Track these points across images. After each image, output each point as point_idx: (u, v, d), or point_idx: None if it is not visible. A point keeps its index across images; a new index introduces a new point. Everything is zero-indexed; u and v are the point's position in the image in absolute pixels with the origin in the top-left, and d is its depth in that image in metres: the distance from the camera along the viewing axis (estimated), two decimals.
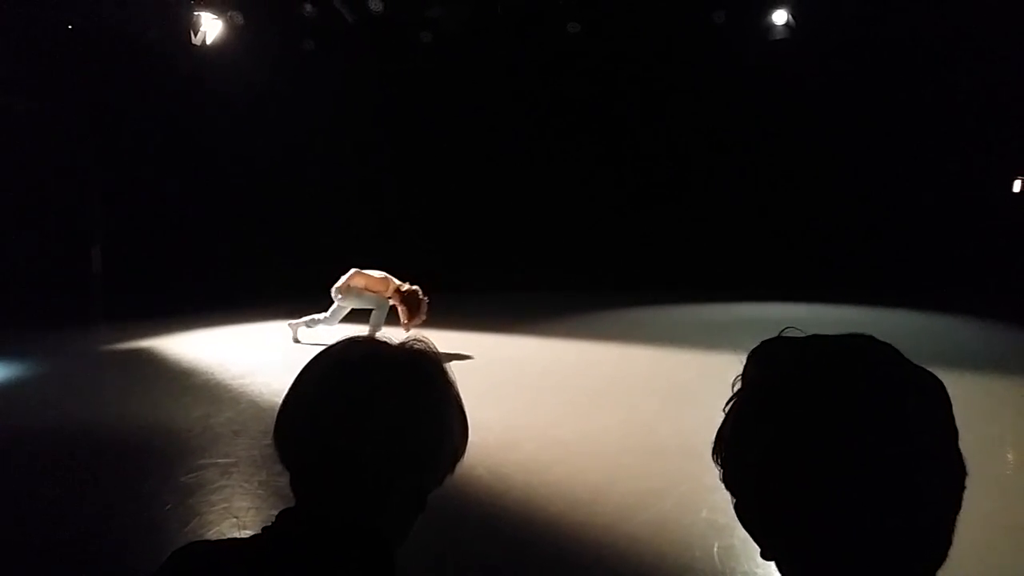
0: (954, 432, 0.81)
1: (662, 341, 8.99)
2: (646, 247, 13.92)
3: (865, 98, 13.27)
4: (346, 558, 0.98)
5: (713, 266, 13.54)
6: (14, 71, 11.53)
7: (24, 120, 12.31)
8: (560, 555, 3.62)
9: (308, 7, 12.12)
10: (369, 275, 8.47)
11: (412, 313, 8.28)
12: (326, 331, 8.63)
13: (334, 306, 8.57)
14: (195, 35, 11.06)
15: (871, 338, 0.85)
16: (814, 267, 13.10)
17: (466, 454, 1.13)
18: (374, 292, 8.45)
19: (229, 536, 3.44)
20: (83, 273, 12.84)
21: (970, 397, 6.00)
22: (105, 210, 13.14)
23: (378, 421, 1.03)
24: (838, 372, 0.81)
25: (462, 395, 1.13)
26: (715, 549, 3.53)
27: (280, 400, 1.10)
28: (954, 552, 0.80)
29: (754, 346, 0.89)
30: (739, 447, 0.86)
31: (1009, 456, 5.00)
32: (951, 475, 0.80)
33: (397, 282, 8.46)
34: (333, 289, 8.41)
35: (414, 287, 8.42)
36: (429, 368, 1.10)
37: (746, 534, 0.86)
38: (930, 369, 0.83)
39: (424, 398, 1.07)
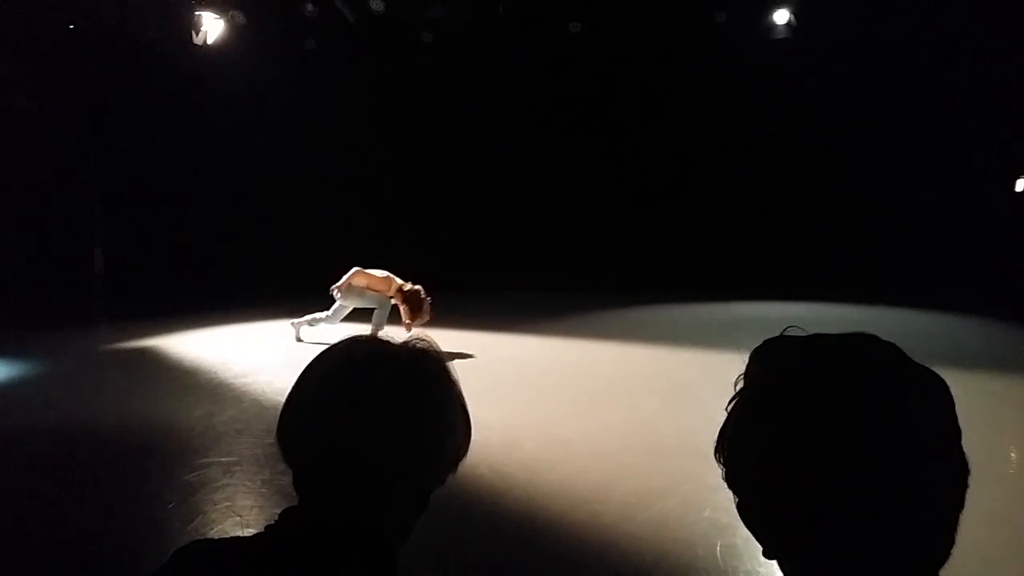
0: (957, 431, 0.81)
1: (663, 340, 8.99)
2: (647, 246, 13.91)
3: (866, 98, 13.26)
4: (349, 557, 0.98)
5: (714, 265, 13.54)
6: (14, 71, 11.53)
7: (24, 120, 12.31)
8: (562, 554, 3.62)
9: (309, 7, 12.12)
10: (371, 274, 8.46)
11: (414, 313, 8.27)
12: (328, 330, 8.64)
13: (336, 305, 8.57)
14: (196, 35, 11.06)
15: (873, 337, 0.85)
16: (815, 266, 13.10)
17: (468, 453, 1.13)
18: (376, 291, 8.45)
19: (232, 535, 3.45)
20: (84, 273, 12.85)
21: (972, 396, 5.99)
22: (106, 210, 13.15)
23: (381, 420, 1.03)
24: (840, 371, 0.81)
25: (464, 394, 1.13)
26: (718, 548, 3.53)
27: (283, 399, 1.10)
28: (956, 551, 0.80)
29: (755, 345, 0.89)
30: (741, 446, 0.86)
31: (1012, 455, 5.00)
32: (954, 474, 0.80)
33: (399, 281, 8.45)
34: (333, 288, 8.40)
35: (416, 287, 8.40)
36: (432, 367, 1.10)
37: (748, 533, 0.86)
38: (931, 368, 0.83)
39: (427, 397, 1.07)
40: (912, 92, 12.95)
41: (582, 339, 9.10)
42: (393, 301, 8.41)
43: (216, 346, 8.64)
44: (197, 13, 11.02)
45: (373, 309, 8.45)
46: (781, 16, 12.18)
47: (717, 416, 0.89)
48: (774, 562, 0.85)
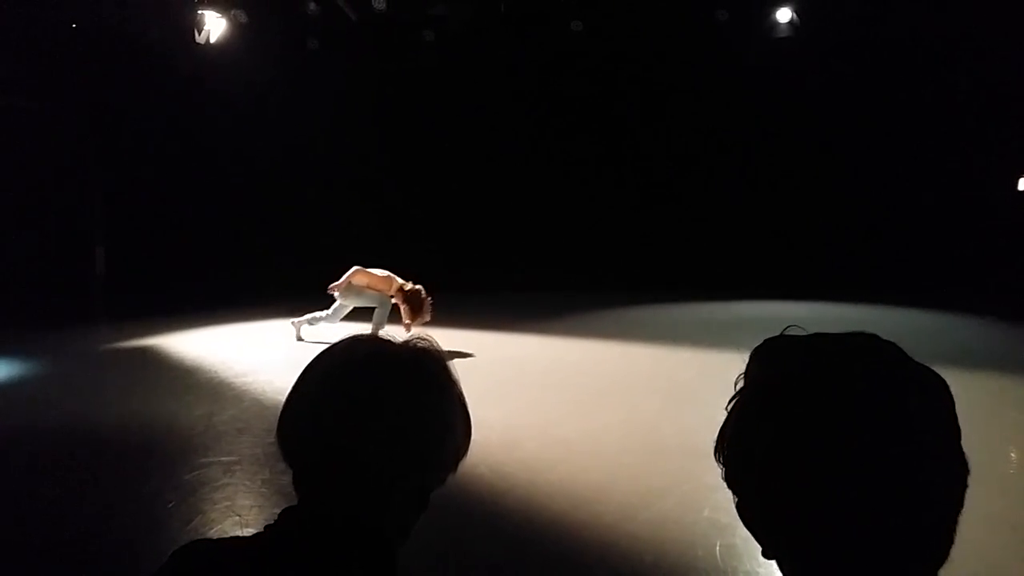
0: (957, 431, 0.81)
1: (664, 340, 8.99)
2: (647, 246, 13.91)
3: (866, 98, 13.26)
4: (348, 557, 0.98)
5: (714, 265, 13.54)
6: (14, 71, 11.54)
7: (25, 120, 12.32)
8: (562, 554, 3.62)
9: (311, 6, 12.14)
10: (372, 273, 8.45)
11: (415, 313, 8.24)
12: (328, 329, 8.64)
13: (336, 304, 8.57)
14: (199, 34, 11.06)
15: (874, 336, 0.85)
16: (815, 266, 13.09)
17: (468, 453, 1.13)
18: (377, 290, 8.44)
19: (231, 535, 3.45)
20: (84, 273, 12.86)
21: (972, 396, 5.98)
22: (106, 210, 13.15)
23: (381, 420, 1.03)
24: (841, 370, 0.81)
25: (464, 394, 1.13)
26: (717, 548, 3.53)
27: (283, 398, 1.10)
28: (956, 551, 0.80)
29: (756, 345, 0.89)
30: (741, 446, 0.86)
31: (1011, 455, 5.00)
32: (953, 474, 0.79)
33: (400, 281, 8.43)
34: (332, 287, 8.37)
35: (417, 286, 8.38)
36: (432, 367, 1.10)
37: (748, 533, 0.86)
38: (932, 367, 0.83)
39: (427, 397, 1.07)
40: (912, 92, 12.95)
41: (583, 339, 9.10)
42: (394, 301, 8.40)
43: (216, 345, 8.64)
44: (199, 12, 11.03)
45: (373, 308, 8.44)
46: (783, 15, 12.17)
47: (717, 416, 0.89)
48: (773, 562, 0.85)
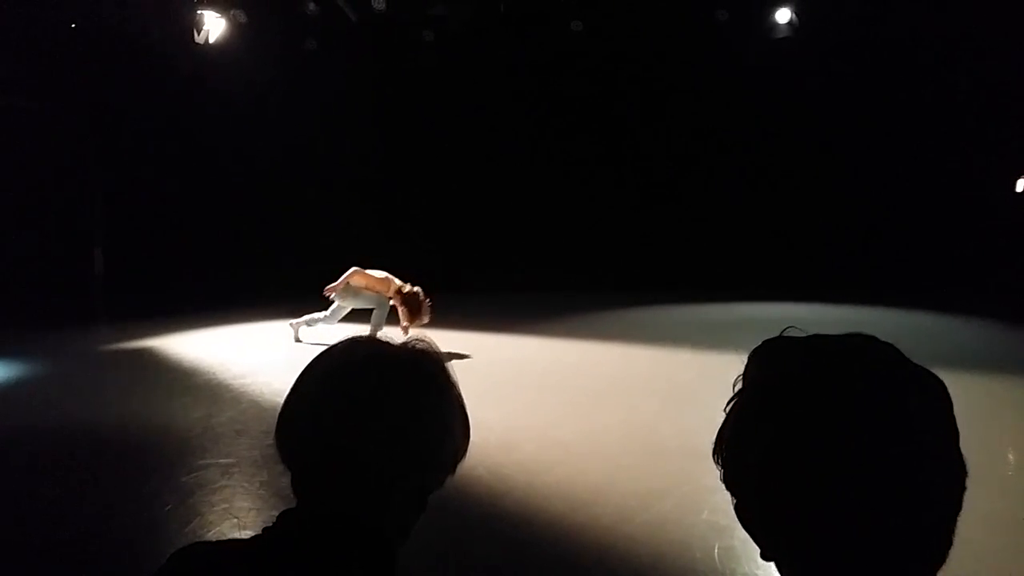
0: (955, 432, 0.81)
1: (663, 341, 8.99)
2: (647, 247, 13.92)
3: (866, 98, 13.27)
4: (348, 558, 0.98)
5: (714, 266, 13.54)
6: (14, 71, 11.54)
7: (24, 120, 12.32)
8: (560, 555, 3.61)
9: (311, 6, 12.14)
10: (370, 275, 8.43)
11: (412, 315, 8.21)
12: (327, 330, 8.63)
13: (334, 305, 8.55)
14: (198, 34, 11.06)
15: (872, 338, 0.85)
16: (815, 267, 13.09)
17: (467, 454, 1.13)
18: (375, 291, 8.42)
19: (230, 537, 3.45)
20: (84, 273, 12.85)
21: (970, 397, 5.98)
22: (106, 210, 13.15)
23: (380, 421, 1.03)
24: (839, 372, 0.81)
25: (463, 395, 1.13)
26: (716, 550, 3.53)
27: (281, 400, 1.10)
28: (954, 552, 0.80)
29: (755, 346, 0.89)
30: (740, 447, 0.86)
31: (1009, 456, 4.99)
32: (952, 475, 0.80)
33: (398, 283, 8.40)
34: (328, 288, 8.35)
35: (415, 288, 8.35)
36: (431, 368, 1.10)
37: (746, 535, 0.86)
38: (930, 369, 0.83)
39: (426, 398, 1.07)
40: (912, 92, 12.95)
41: (582, 340, 9.10)
42: (392, 302, 8.38)
43: (215, 347, 8.63)
44: (199, 12, 11.03)
45: (371, 309, 8.43)
46: (783, 15, 12.18)
47: (716, 417, 0.89)
48: (772, 564, 0.85)
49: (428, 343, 1.14)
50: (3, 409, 6.26)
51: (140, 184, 13.42)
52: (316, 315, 8.70)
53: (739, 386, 0.88)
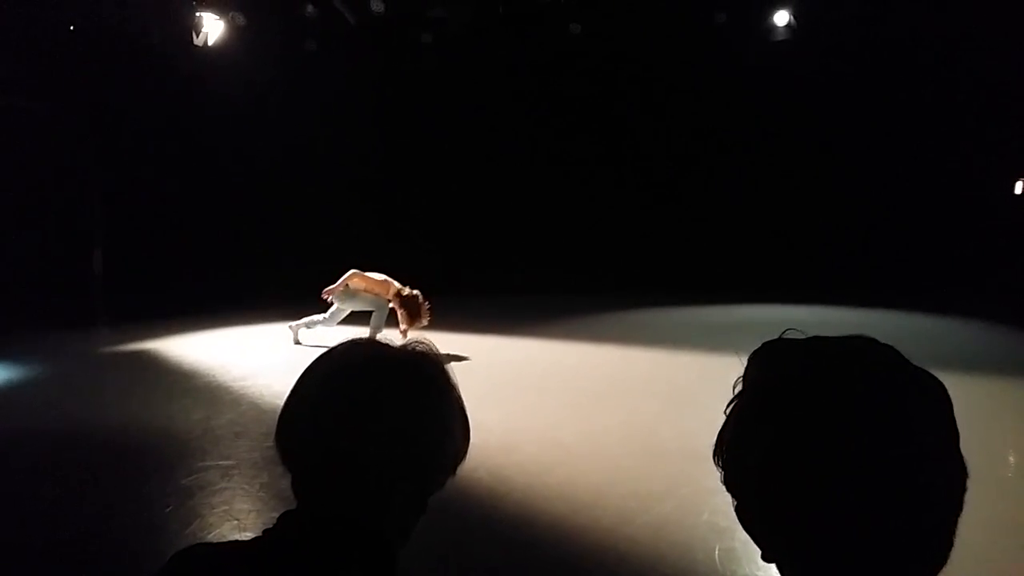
0: (955, 434, 0.81)
1: (663, 343, 8.99)
2: (647, 248, 13.92)
3: (865, 99, 13.27)
4: (348, 560, 0.98)
5: (714, 268, 13.54)
6: (14, 71, 11.53)
7: (24, 120, 12.32)
8: (561, 557, 3.61)
9: (310, 8, 12.13)
10: (369, 277, 8.41)
11: (412, 318, 8.19)
12: (326, 333, 8.63)
13: (333, 307, 8.55)
14: (197, 36, 11.06)
15: (872, 340, 0.85)
16: (815, 268, 13.10)
17: (467, 456, 1.13)
18: (374, 294, 8.41)
19: (230, 538, 3.44)
20: (84, 274, 12.84)
21: (970, 399, 5.98)
22: (106, 210, 13.15)
23: (380, 423, 1.03)
24: (839, 374, 0.81)
25: (463, 397, 1.13)
26: (716, 552, 3.53)
27: (281, 402, 1.10)
28: (954, 554, 0.80)
29: (755, 348, 0.89)
30: (740, 449, 0.86)
31: (1010, 458, 5.00)
32: (952, 477, 0.80)
33: (398, 285, 8.37)
34: (326, 291, 8.34)
35: (414, 292, 8.32)
36: (431, 370, 1.10)
37: (747, 537, 0.86)
38: (930, 371, 0.83)
39: (426, 400, 1.07)
40: (912, 92, 12.96)
41: (582, 342, 9.10)
42: (391, 305, 8.36)
43: (215, 349, 8.63)
44: (198, 14, 11.03)
45: (370, 312, 8.41)
46: (781, 17, 12.19)
47: (717, 419, 0.89)
48: (772, 566, 0.85)
49: (428, 345, 1.14)
50: (3, 410, 6.26)
51: (140, 185, 13.41)
52: (315, 317, 8.69)
53: (739, 388, 0.88)
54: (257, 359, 7.99)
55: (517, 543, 3.77)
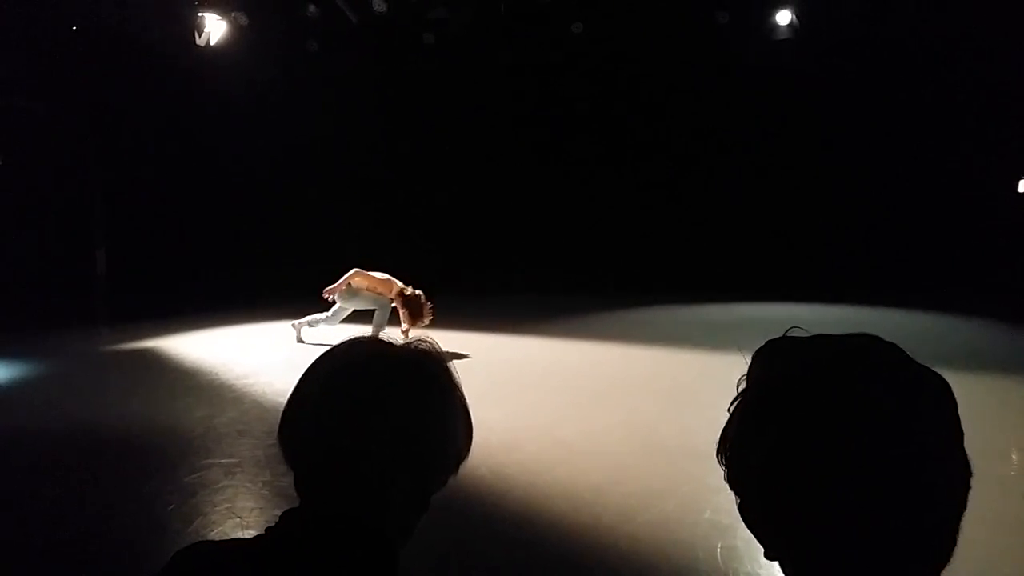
0: (959, 433, 0.81)
1: (664, 341, 8.98)
2: (648, 247, 13.92)
3: (867, 98, 13.26)
4: (350, 558, 0.98)
5: (715, 266, 13.53)
6: (15, 71, 11.55)
7: (25, 120, 12.33)
8: (562, 555, 3.61)
9: (311, 8, 12.13)
10: (371, 276, 8.42)
11: (414, 318, 8.19)
12: (329, 331, 8.63)
13: (336, 306, 8.55)
14: (199, 36, 11.07)
15: (876, 338, 0.84)
16: (817, 267, 13.09)
17: (469, 454, 1.13)
18: (376, 293, 8.41)
19: (233, 536, 3.45)
20: (85, 273, 12.86)
21: (973, 398, 5.95)
22: (107, 211, 13.16)
23: (383, 421, 1.03)
24: (843, 372, 0.81)
25: (465, 395, 1.13)
26: (718, 550, 3.53)
27: (284, 400, 1.10)
28: (958, 553, 0.79)
29: (757, 346, 0.89)
30: (743, 447, 0.85)
31: (1013, 457, 4.99)
32: (956, 476, 0.79)
33: (400, 285, 8.38)
34: (327, 290, 8.34)
35: (417, 291, 8.34)
36: (434, 368, 1.10)
37: (749, 535, 0.86)
38: (934, 369, 0.83)
39: (428, 398, 1.07)
40: (912, 92, 12.95)
41: (583, 340, 9.10)
42: (393, 304, 8.36)
43: (217, 347, 8.64)
44: (199, 14, 11.03)
45: (373, 311, 8.42)
46: (783, 17, 12.18)
47: (718, 417, 0.89)
48: (775, 564, 0.84)
49: (431, 343, 1.14)
50: (5, 409, 6.26)
51: (141, 184, 13.43)
52: (318, 316, 8.70)
53: (742, 386, 0.88)
54: (259, 357, 8.00)
55: (518, 541, 3.77)
